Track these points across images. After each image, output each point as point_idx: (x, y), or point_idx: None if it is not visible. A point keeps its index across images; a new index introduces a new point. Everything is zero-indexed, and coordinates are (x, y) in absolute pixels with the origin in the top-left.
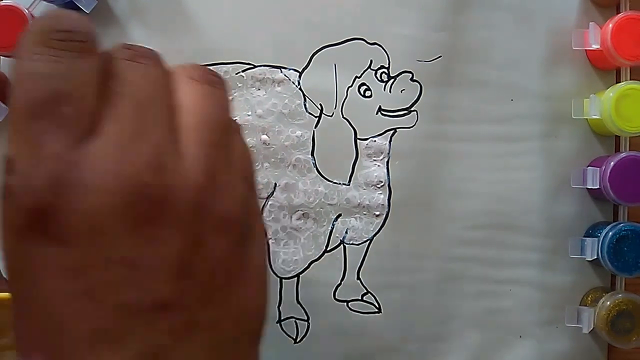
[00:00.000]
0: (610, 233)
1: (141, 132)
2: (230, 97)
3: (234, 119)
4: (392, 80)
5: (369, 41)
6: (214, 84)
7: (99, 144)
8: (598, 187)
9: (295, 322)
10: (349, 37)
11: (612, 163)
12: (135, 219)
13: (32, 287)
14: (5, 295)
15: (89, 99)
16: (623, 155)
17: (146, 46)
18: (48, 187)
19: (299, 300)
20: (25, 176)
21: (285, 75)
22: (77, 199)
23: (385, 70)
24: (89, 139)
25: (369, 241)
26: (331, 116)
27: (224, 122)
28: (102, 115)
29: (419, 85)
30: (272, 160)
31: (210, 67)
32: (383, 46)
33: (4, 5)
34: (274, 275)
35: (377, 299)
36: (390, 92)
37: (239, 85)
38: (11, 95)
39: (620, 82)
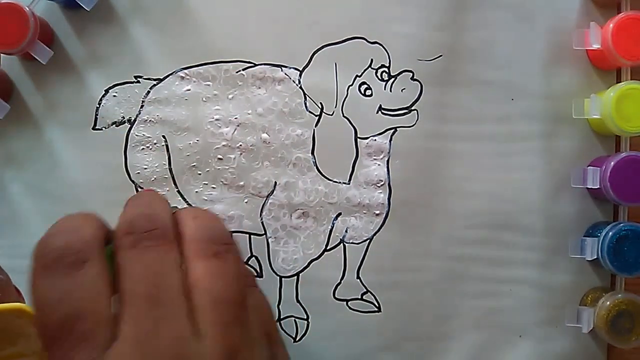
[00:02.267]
0: (611, 233)
1: (158, 326)
2: (241, 260)
3: (247, 275)
4: (392, 79)
5: (369, 40)
6: (223, 256)
7: (120, 349)
8: (598, 186)
9: (295, 321)
10: (350, 36)
11: (612, 163)
12: None
13: None
14: (17, 305)
15: (103, 309)
16: (623, 155)
17: (147, 211)
18: None
19: (299, 299)
20: None
21: (285, 73)
22: None
23: (386, 69)
24: (112, 344)
25: (369, 240)
26: (331, 115)
27: (237, 295)
28: (120, 317)
29: (419, 85)
30: (272, 158)
31: (211, 66)
32: (384, 45)
33: (5, 3)
34: (274, 274)
35: (377, 298)
36: (390, 91)
37: (240, 83)
38: (35, 319)
39: (620, 82)
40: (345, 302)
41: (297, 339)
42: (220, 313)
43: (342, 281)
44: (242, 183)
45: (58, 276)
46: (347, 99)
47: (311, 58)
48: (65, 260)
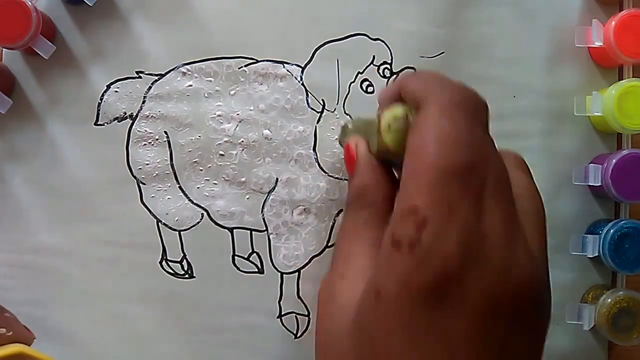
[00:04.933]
0: (612, 230)
1: (513, 220)
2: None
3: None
4: (395, 76)
5: (371, 37)
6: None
7: (493, 223)
8: (600, 184)
9: (296, 317)
10: (352, 33)
11: (613, 160)
12: (522, 314)
13: (418, 348)
14: (17, 349)
15: (489, 173)
16: (625, 152)
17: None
18: (459, 255)
19: (300, 295)
20: (438, 237)
21: (287, 70)
22: (481, 275)
23: (388, 66)
24: (486, 214)
25: None
26: (333, 112)
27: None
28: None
29: None
30: (274, 155)
31: (213, 62)
32: (386, 42)
33: None
34: (275, 270)
35: None
36: None
37: (242, 80)
38: (426, 151)
39: (622, 79)
40: None
41: (298, 335)
42: (542, 222)
43: None
44: (243, 179)
45: (478, 123)
46: (349, 95)
47: (313, 54)
48: (484, 117)
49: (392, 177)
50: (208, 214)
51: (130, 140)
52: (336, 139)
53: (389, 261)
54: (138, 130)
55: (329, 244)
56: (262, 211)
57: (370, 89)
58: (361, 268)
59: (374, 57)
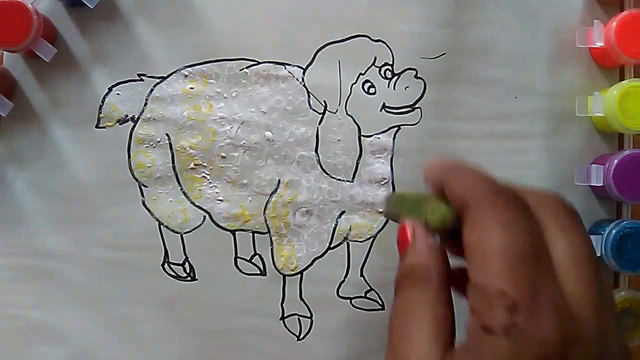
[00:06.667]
0: (614, 231)
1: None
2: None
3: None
4: (396, 77)
5: (373, 38)
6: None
7: (576, 301)
8: (602, 184)
9: (299, 319)
10: (353, 34)
11: (615, 161)
12: None
13: None
14: None
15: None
16: (627, 152)
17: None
18: (559, 338)
19: (303, 297)
20: (533, 320)
21: (289, 71)
22: (582, 356)
23: (389, 67)
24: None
25: (372, 238)
26: (335, 113)
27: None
28: None
29: (423, 82)
30: (276, 156)
31: (214, 64)
32: (387, 43)
33: (8, 1)
34: (277, 272)
35: (381, 296)
36: (394, 89)
37: (243, 82)
38: (490, 240)
39: (624, 79)
40: (349, 300)
41: (301, 337)
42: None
43: (345, 279)
44: (245, 181)
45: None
46: (350, 97)
47: (315, 56)
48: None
49: (445, 257)
50: (210, 216)
51: (132, 142)
52: (338, 139)
53: (483, 348)
54: (140, 133)
55: (331, 246)
56: (264, 213)
57: (372, 90)
58: (425, 353)
59: (375, 58)
